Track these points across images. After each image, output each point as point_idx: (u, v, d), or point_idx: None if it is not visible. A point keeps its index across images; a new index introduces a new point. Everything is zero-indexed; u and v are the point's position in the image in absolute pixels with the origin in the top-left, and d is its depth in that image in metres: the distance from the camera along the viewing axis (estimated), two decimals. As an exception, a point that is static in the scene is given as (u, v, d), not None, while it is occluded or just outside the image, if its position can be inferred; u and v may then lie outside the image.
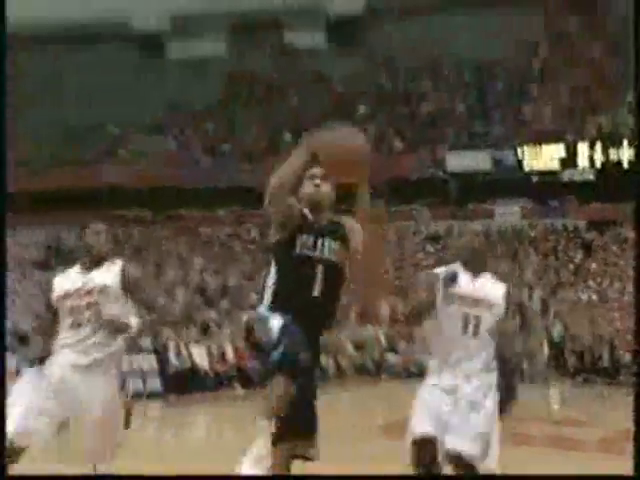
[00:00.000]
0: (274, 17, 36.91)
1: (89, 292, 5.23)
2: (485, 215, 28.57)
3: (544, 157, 27.99)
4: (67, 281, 5.30)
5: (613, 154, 26.68)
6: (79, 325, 5.21)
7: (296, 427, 4.14)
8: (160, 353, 18.61)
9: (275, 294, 4.31)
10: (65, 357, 5.14)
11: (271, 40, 37.01)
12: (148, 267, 28.54)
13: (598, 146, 27.02)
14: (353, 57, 35.05)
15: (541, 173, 28.13)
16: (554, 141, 27.96)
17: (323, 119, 32.32)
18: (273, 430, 4.03)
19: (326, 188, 4.42)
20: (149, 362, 18.08)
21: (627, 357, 19.63)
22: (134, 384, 16.90)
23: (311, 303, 4.27)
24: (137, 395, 16.10)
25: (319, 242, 4.35)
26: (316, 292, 4.27)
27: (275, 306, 4.29)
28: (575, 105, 29.23)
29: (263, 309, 4.33)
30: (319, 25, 36.99)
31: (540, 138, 28.32)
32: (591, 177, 27.22)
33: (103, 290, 5.28)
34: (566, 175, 27.63)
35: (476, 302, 5.29)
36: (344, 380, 20.44)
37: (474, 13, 32.12)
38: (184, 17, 37.60)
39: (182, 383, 17.97)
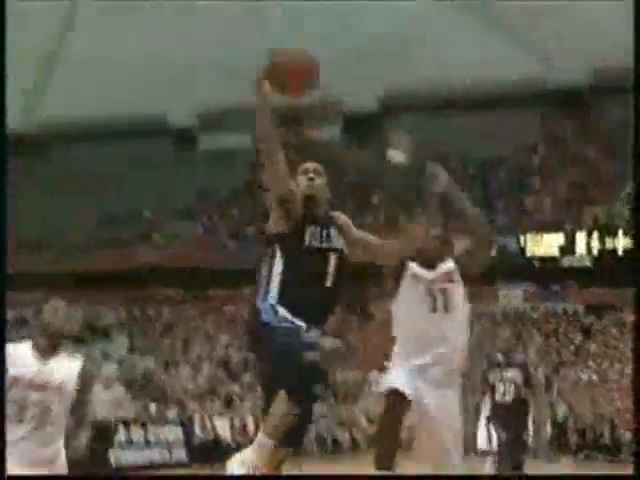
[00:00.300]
0: (295, 113, 37.34)
1: (42, 386, 4.38)
2: (490, 297, 28.40)
3: (545, 244, 28.06)
4: (19, 363, 4.38)
5: (609, 243, 26.74)
6: (20, 421, 4.33)
7: (286, 440, 3.91)
8: (186, 425, 18.48)
9: (283, 286, 4.05)
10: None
11: (292, 133, 37.39)
12: (176, 343, 28.48)
13: (595, 235, 27.05)
14: (366, 150, 35.33)
15: (542, 259, 28.12)
16: (554, 230, 28.06)
17: (339, 205, 32.55)
18: (271, 447, 3.85)
19: (320, 181, 4.31)
20: (175, 433, 17.95)
21: (627, 435, 19.29)
22: (161, 455, 16.75)
23: (324, 293, 4.08)
24: (164, 465, 15.88)
25: (324, 233, 4.20)
26: (329, 282, 4.11)
27: (284, 298, 4.03)
28: (573, 198, 29.36)
29: (271, 301, 4.06)
30: (335, 121, 37.37)
31: (541, 227, 28.42)
32: (589, 264, 27.14)
33: (58, 388, 4.46)
34: (565, 261, 27.59)
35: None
36: (358, 453, 20.09)
37: (477, 114, 32.42)
38: (213, 113, 38.08)
39: (206, 453, 17.76)
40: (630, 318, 22.72)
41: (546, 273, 27.84)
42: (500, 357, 9.79)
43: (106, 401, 17.35)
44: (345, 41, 30.59)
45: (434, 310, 4.86)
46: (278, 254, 4.12)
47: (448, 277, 4.97)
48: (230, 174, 35.07)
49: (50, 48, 34.97)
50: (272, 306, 4.03)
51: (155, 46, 32.39)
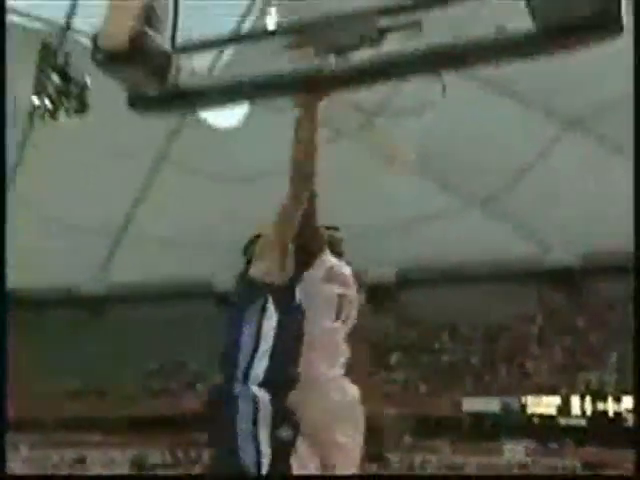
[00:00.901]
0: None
1: None
2: (496, 451, 28.03)
3: (543, 405, 27.81)
4: None
5: (600, 406, 26.45)
6: None
7: None
8: None
9: (275, 357, 2.94)
10: None
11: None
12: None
13: (588, 399, 26.84)
14: (386, 315, 35.66)
15: (541, 417, 27.78)
16: (551, 392, 27.88)
17: (361, 364, 32.64)
18: None
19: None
20: None
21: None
22: None
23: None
24: None
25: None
26: None
27: (270, 378, 2.94)
28: (567, 364, 29.30)
29: (253, 387, 2.94)
30: (359, 289, 37.72)
31: (540, 389, 28.25)
32: (584, 424, 26.80)
33: None
34: (562, 421, 27.27)
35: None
36: None
37: (483, 287, 32.82)
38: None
39: None
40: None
41: (545, 431, 27.49)
42: None
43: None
44: (368, 220, 31.42)
45: None
46: (271, 310, 3.05)
47: None
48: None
49: (120, 223, 36.26)
50: (254, 397, 2.93)
51: (209, 222, 33.41)
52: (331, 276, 3.58)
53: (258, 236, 3.38)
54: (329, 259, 3.62)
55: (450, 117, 22.21)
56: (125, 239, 36.89)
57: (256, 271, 3.19)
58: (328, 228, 3.73)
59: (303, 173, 3.06)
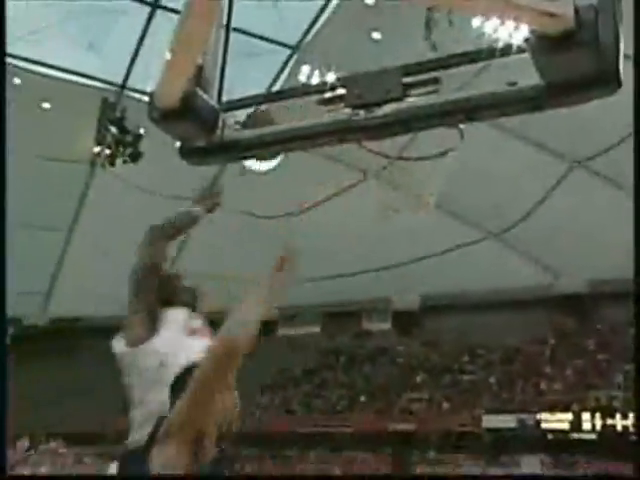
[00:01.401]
0: (354, 309, 37.93)
1: None
2: (512, 464, 27.60)
3: (556, 420, 27.38)
4: None
5: (609, 421, 25.96)
6: None
7: None
8: None
9: None
10: None
11: (352, 324, 37.82)
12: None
13: (597, 415, 26.37)
14: (411, 339, 35.49)
15: (554, 432, 27.33)
16: (564, 409, 27.44)
17: (389, 384, 32.44)
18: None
19: None
20: None
21: None
22: None
23: None
24: None
25: None
26: None
27: None
28: (578, 382, 28.87)
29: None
30: (386, 315, 37.75)
31: (553, 406, 27.82)
32: (594, 437, 26.32)
33: None
34: (574, 435, 26.79)
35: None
36: None
37: (498, 313, 32.62)
38: (291, 308, 38.86)
39: None
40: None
41: (558, 445, 27.05)
42: None
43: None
44: (394, 253, 31.41)
45: None
46: None
47: None
48: (303, 356, 35.42)
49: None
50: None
51: (247, 254, 33.58)
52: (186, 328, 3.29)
53: None
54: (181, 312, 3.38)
55: (467, 159, 22.27)
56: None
57: None
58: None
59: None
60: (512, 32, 11.05)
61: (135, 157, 17.85)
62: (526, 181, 27.93)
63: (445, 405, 30.91)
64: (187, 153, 2.86)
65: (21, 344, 39.78)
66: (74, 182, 29.94)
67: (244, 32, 21.09)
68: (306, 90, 2.94)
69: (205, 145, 2.77)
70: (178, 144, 2.87)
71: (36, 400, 31.90)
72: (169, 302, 3.34)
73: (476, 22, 14.73)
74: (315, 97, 2.85)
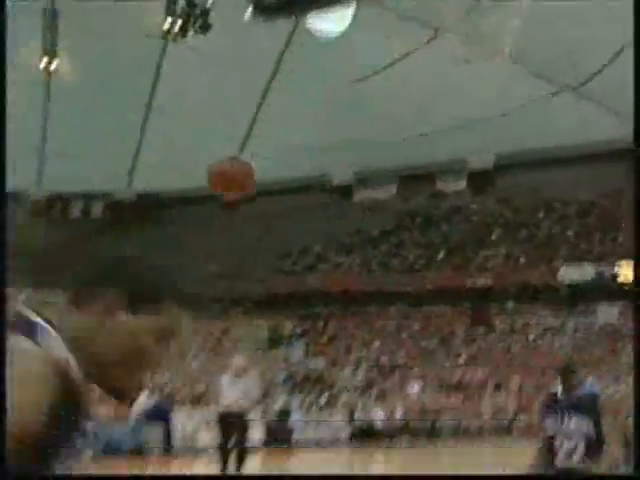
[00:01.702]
0: (429, 170, 37.63)
1: None
2: (590, 314, 27.87)
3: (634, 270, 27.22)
4: None
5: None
6: None
7: None
8: (348, 413, 18.61)
9: None
10: None
11: (426, 186, 37.69)
12: (340, 348, 29.24)
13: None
14: (486, 197, 35.27)
15: (631, 283, 27.26)
16: (642, 259, 27.14)
17: (465, 242, 32.69)
18: None
19: None
20: (339, 419, 18.02)
21: None
22: (329, 435, 16.68)
23: None
24: (330, 443, 15.97)
25: None
26: None
27: None
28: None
29: None
30: (461, 175, 37.34)
31: (631, 255, 27.58)
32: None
33: None
34: (652, 284, 26.62)
35: None
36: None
37: (574, 167, 31.86)
38: (366, 171, 38.87)
39: (364, 437, 17.66)
40: None
41: (636, 294, 27.01)
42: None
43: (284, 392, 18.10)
44: (468, 111, 30.76)
45: None
46: None
47: None
48: (379, 219, 35.79)
49: (245, 128, 36.78)
50: None
51: (323, 123, 33.46)
52: None
53: None
54: None
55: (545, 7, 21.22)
56: (251, 142, 37.48)
57: None
58: None
59: None
60: None
61: (205, 29, 17.75)
62: (603, 31, 26.50)
63: (522, 259, 31.08)
64: (260, 9, 3.02)
65: (110, 220, 41.46)
66: (147, 57, 29.99)
67: None
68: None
69: (274, 2, 2.91)
70: (250, 3, 3.01)
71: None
72: None
73: None
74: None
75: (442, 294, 30.62)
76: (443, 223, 35.04)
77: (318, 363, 26.44)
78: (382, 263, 34.05)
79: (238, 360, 8.08)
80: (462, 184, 37.62)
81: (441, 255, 32.52)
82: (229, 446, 8.27)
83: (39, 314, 1.20)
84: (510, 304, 29.78)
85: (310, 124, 33.64)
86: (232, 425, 7.99)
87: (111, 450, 11.52)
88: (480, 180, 36.01)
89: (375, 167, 37.57)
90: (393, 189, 38.84)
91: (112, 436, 11.65)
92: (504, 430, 20.96)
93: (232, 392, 8.00)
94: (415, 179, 38.74)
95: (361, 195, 39.44)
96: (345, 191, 40.22)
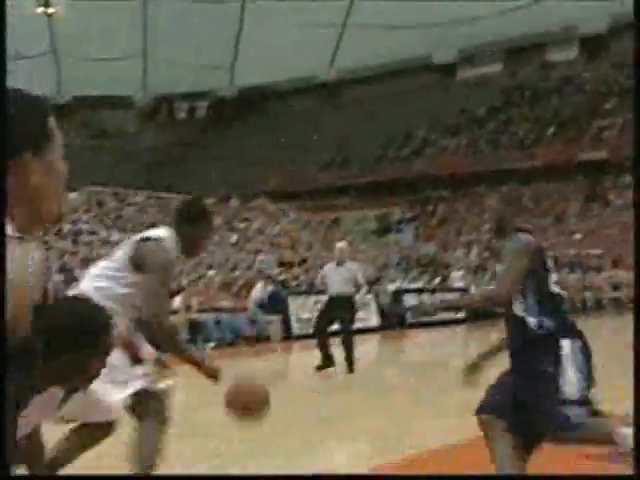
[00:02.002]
0: (537, 41, 35.76)
1: None
2: None
3: None
4: None
5: None
6: None
7: None
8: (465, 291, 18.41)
9: None
10: None
11: (535, 58, 35.92)
12: (450, 232, 29.00)
13: None
14: (598, 64, 33.25)
15: None
16: None
17: (577, 114, 31.10)
18: None
19: None
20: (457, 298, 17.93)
21: None
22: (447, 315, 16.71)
23: None
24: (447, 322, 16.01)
25: None
26: None
27: None
28: None
29: None
30: (571, 43, 35.36)
31: None
32: None
33: None
34: None
35: None
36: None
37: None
38: (470, 48, 37.40)
39: (479, 314, 17.54)
40: None
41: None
42: None
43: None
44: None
45: None
46: None
47: None
48: (485, 96, 34.54)
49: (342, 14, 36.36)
50: None
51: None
52: None
53: None
54: None
55: None
56: (349, 28, 36.77)
57: None
58: None
59: None
60: None
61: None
62: None
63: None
64: None
65: (214, 116, 42.04)
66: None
67: None
68: None
69: None
70: None
71: (235, 163, 34.35)
72: None
73: None
74: None
75: (554, 170, 29.41)
76: (554, 95, 33.27)
77: (429, 247, 26.29)
78: (490, 142, 33.00)
79: (341, 246, 8.13)
80: (573, 52, 35.56)
81: (552, 129, 31.04)
82: (339, 329, 8.46)
83: None
84: (627, 178, 28.32)
85: (411, 4, 32.50)
86: (339, 308, 8.12)
87: (234, 339, 12.01)
88: (593, 46, 33.90)
89: (478, 42, 35.99)
90: (499, 64, 37.22)
91: (234, 325, 12.11)
92: (622, 305, 20.45)
93: (336, 277, 8.13)
94: (522, 51, 36.92)
95: (465, 73, 38.13)
96: (449, 70, 38.94)
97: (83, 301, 1.77)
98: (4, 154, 1.20)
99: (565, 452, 3.11)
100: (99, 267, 3.02)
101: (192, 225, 2.99)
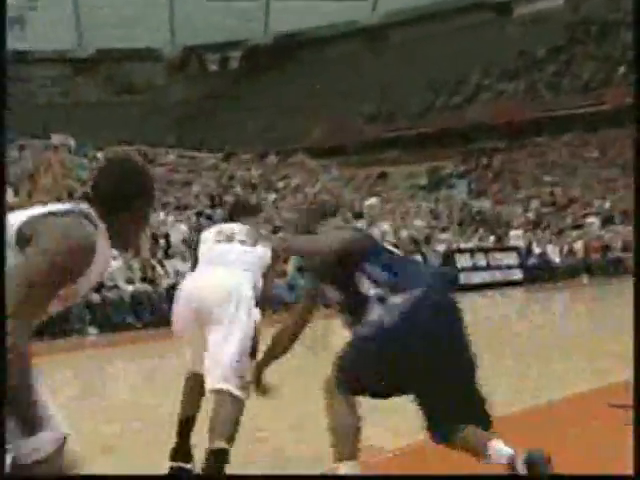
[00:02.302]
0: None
1: None
2: None
3: None
4: None
5: None
6: None
7: None
8: (520, 251, 18.21)
9: None
10: None
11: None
12: (507, 186, 28.37)
13: None
14: None
15: None
16: None
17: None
18: None
19: None
20: (512, 258, 17.72)
21: None
22: (501, 275, 16.62)
23: None
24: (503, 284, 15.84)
25: None
26: None
27: None
28: None
29: None
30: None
31: None
32: None
33: None
34: None
35: None
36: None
37: None
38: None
39: (538, 274, 17.48)
40: None
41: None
42: None
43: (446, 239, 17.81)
44: None
45: None
46: None
47: None
48: (545, 34, 33.53)
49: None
50: None
51: None
52: None
53: None
54: None
55: None
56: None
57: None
58: None
59: None
60: None
61: None
62: None
63: None
64: None
65: (247, 66, 41.72)
66: None
67: None
68: None
69: None
70: None
71: (271, 113, 34.14)
72: None
73: None
74: None
75: (623, 114, 28.43)
76: (623, 29, 32.07)
77: (483, 203, 25.73)
78: (551, 85, 31.90)
79: (371, 203, 7.81)
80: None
81: (622, 69, 29.94)
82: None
83: None
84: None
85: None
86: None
87: (275, 306, 11.88)
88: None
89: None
90: (560, -3, 36.04)
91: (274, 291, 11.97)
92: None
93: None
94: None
95: (522, 10, 36.96)
96: (504, 7, 37.82)
97: None
98: (4, 153, 1.43)
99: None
100: None
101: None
